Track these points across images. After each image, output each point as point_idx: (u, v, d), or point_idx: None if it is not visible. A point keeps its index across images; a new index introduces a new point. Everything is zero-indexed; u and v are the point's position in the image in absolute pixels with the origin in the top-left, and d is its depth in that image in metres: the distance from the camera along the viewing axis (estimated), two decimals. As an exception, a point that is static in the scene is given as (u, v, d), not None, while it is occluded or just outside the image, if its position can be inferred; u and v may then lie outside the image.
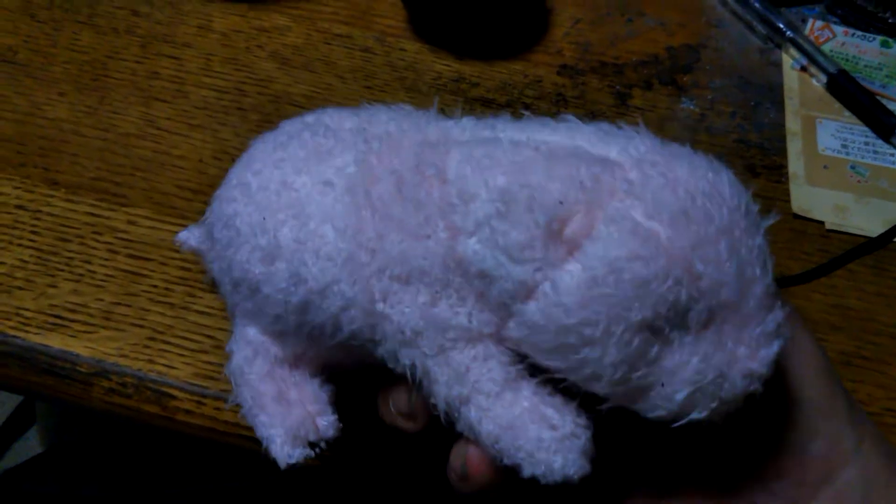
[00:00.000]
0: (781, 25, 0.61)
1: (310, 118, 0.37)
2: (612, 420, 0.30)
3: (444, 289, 0.31)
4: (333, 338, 0.33)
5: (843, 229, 0.52)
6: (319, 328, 0.33)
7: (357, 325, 0.32)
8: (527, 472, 0.31)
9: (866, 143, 0.57)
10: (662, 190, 0.28)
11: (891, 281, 0.50)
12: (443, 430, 0.33)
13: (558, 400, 0.31)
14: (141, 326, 0.44)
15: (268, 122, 0.53)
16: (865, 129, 0.58)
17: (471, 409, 0.31)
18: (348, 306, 0.32)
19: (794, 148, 0.56)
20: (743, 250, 0.29)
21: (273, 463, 0.35)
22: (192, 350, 0.43)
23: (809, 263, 0.50)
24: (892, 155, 0.57)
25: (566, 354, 0.29)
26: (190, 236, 0.41)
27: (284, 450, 0.34)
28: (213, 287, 0.38)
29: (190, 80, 0.55)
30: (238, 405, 0.36)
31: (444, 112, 0.36)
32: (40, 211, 0.47)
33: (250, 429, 0.40)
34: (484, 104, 0.56)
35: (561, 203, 0.28)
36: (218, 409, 0.42)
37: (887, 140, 0.57)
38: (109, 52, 0.56)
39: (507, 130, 0.32)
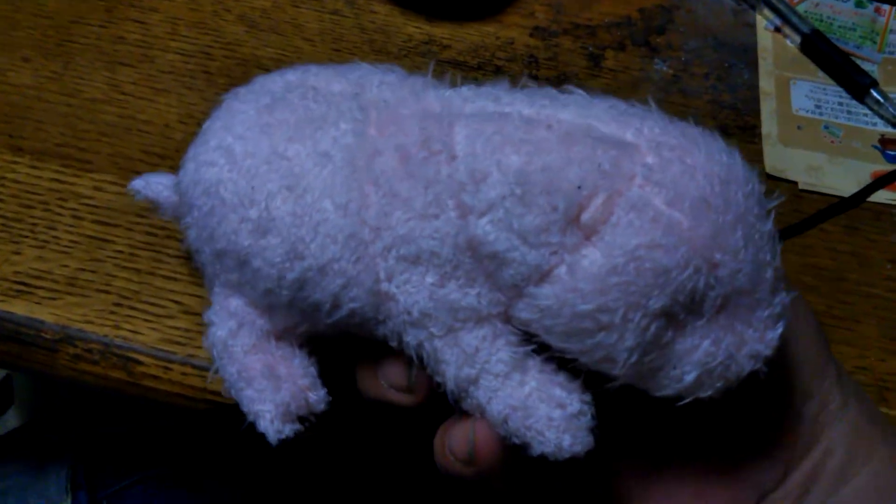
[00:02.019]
0: (756, -14, 0.61)
1: (292, 76, 0.35)
2: (612, 396, 0.30)
3: (453, 270, 0.30)
4: (331, 315, 0.32)
5: (816, 189, 0.52)
6: (316, 305, 0.32)
7: (359, 304, 0.31)
8: (536, 450, 0.30)
9: (840, 104, 0.57)
10: (682, 176, 0.28)
11: (863, 240, 0.50)
12: (434, 402, 0.32)
13: (564, 377, 0.31)
14: (106, 292, 0.43)
15: (235, 85, 0.51)
16: (839, 89, 0.57)
17: (479, 388, 0.31)
18: (350, 285, 0.31)
19: (767, 108, 0.56)
20: (756, 236, 0.28)
21: (262, 437, 0.34)
22: (159, 315, 0.42)
23: (782, 223, 0.50)
24: (866, 115, 0.56)
25: (581, 338, 0.28)
26: (146, 185, 0.40)
27: (275, 425, 0.33)
28: (188, 254, 0.36)
29: (156, 45, 0.54)
30: (220, 377, 0.35)
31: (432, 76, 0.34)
32: (4, 178, 0.47)
33: (218, 394, 0.40)
34: (455, 66, 0.55)
35: (579, 188, 0.28)
36: (185, 374, 0.41)
37: (861, 100, 0.57)
38: (74, 16, 0.55)
39: (514, 103, 0.31)
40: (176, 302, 0.43)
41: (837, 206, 0.51)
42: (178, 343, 0.42)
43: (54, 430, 0.66)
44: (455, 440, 0.32)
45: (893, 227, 0.50)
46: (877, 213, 0.51)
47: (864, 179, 0.52)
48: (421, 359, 0.32)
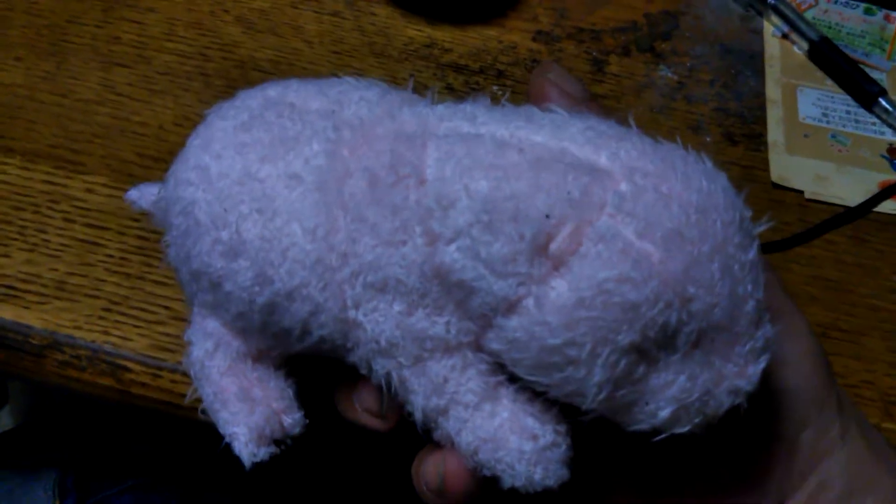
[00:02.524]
0: (763, -9, 0.60)
1: (272, 91, 0.34)
2: (594, 425, 0.29)
3: (421, 298, 0.29)
4: (302, 341, 0.31)
5: (822, 199, 0.51)
6: (286, 330, 0.31)
7: (327, 331, 0.31)
8: (507, 483, 0.29)
9: (848, 112, 0.56)
10: (655, 205, 0.26)
11: (870, 251, 0.49)
12: (410, 426, 0.32)
13: (538, 407, 0.30)
14: (96, 297, 0.42)
15: (232, 87, 0.51)
16: (847, 97, 0.56)
17: (449, 419, 0.30)
18: (317, 311, 0.30)
19: (773, 116, 0.55)
20: (736, 267, 0.27)
21: (237, 459, 0.33)
22: (149, 321, 0.42)
23: (788, 234, 0.49)
24: (874, 124, 0.55)
25: (549, 372, 0.27)
26: (141, 196, 0.39)
27: (249, 448, 0.32)
28: (171, 271, 0.36)
29: (152, 45, 0.53)
30: (199, 399, 0.34)
31: (419, 87, 0.33)
32: (-6, 179, 0.46)
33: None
34: (456, 70, 0.54)
35: (548, 217, 0.26)
36: (175, 381, 0.40)
37: (869, 109, 0.56)
38: (69, 16, 0.54)
39: (488, 123, 0.29)
40: (166, 307, 0.42)
41: (844, 216, 0.50)
42: (168, 350, 0.41)
43: (46, 434, 0.65)
44: (426, 471, 0.31)
45: (901, 239, 0.49)
46: (884, 223, 0.50)
47: (872, 189, 0.51)
48: (390, 387, 0.31)
